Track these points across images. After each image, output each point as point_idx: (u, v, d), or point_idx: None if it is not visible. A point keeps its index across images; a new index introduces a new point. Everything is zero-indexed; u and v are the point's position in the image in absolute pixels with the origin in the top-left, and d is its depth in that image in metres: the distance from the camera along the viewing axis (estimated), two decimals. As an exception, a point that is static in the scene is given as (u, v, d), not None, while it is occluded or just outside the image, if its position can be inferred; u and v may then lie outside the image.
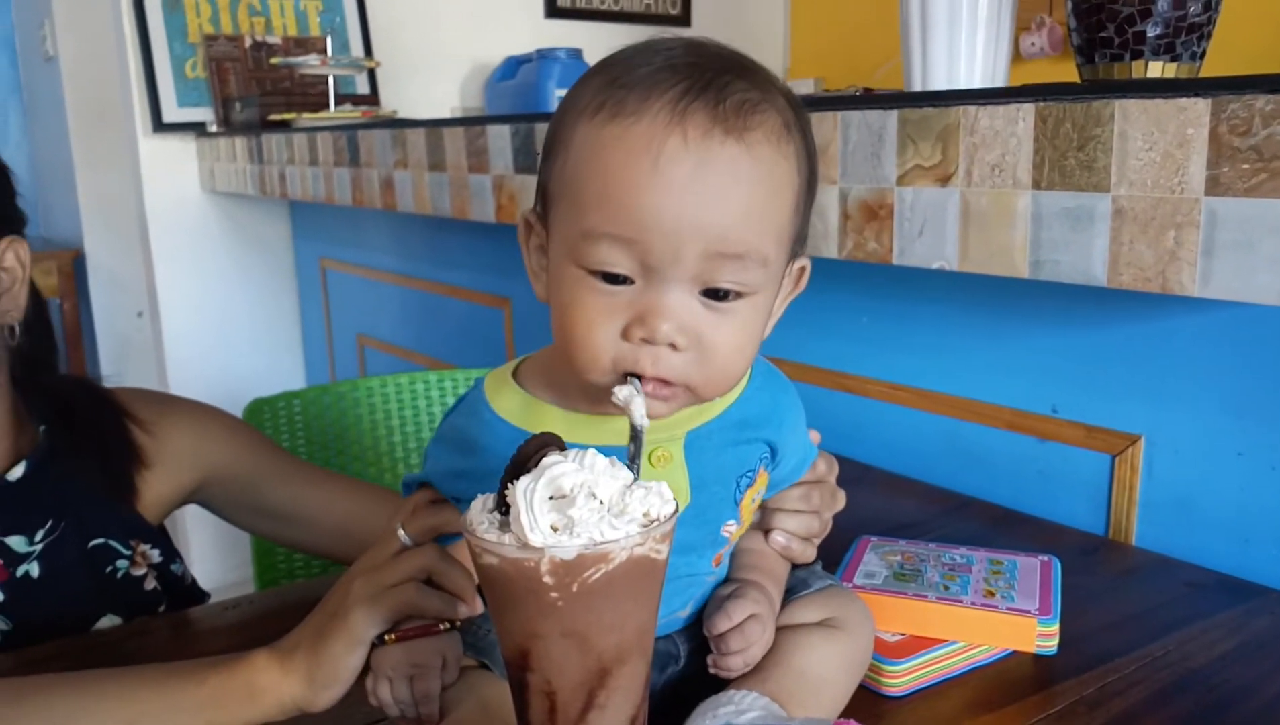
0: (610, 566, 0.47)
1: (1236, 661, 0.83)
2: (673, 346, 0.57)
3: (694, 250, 0.55)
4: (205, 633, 0.99)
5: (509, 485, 0.50)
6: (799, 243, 0.63)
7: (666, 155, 0.54)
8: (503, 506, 0.51)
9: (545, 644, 0.49)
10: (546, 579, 0.46)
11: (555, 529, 0.46)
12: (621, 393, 0.55)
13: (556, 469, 0.47)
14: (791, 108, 0.60)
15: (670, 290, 0.57)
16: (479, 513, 0.51)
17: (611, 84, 0.57)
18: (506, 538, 0.47)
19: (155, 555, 1.06)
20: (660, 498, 0.50)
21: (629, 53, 0.60)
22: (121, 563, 1.03)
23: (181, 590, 1.09)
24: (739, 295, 0.58)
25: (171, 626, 1.00)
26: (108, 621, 1.01)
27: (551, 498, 0.47)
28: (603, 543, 0.46)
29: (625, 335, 0.58)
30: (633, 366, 0.58)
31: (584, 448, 0.51)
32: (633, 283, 0.57)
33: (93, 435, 1.05)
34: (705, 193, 0.55)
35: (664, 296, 0.57)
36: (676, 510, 0.51)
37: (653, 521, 0.49)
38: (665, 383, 0.59)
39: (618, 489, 0.49)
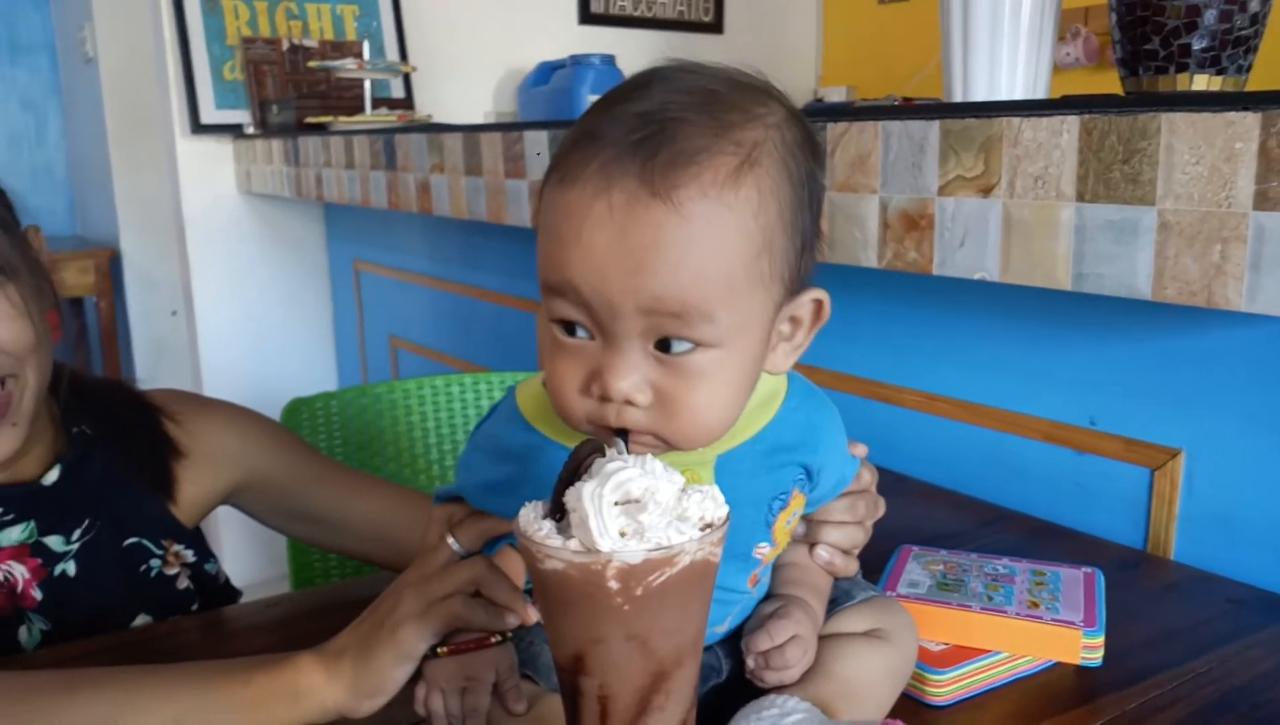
0: (674, 570, 0.47)
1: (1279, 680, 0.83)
2: (630, 402, 0.57)
3: (628, 310, 0.55)
4: (245, 630, 1.00)
5: (566, 491, 0.50)
6: (791, 281, 0.61)
7: (592, 222, 0.55)
8: (556, 513, 0.51)
9: (606, 648, 0.49)
10: (612, 583, 0.47)
11: (624, 534, 0.47)
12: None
13: (622, 474, 0.48)
14: (771, 137, 0.58)
15: (622, 347, 0.56)
16: (531, 520, 0.51)
17: (575, 137, 0.58)
18: (571, 543, 0.48)
19: (189, 555, 1.07)
20: (714, 502, 0.51)
21: (616, 92, 0.59)
22: (155, 562, 1.04)
23: (215, 590, 1.10)
24: (696, 346, 0.57)
25: (212, 624, 1.02)
26: (142, 620, 1.03)
27: (617, 503, 0.47)
28: (669, 547, 0.47)
29: (587, 391, 0.58)
30: (600, 421, 0.58)
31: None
32: (592, 337, 0.57)
33: (129, 433, 1.06)
34: (630, 258, 0.54)
35: (616, 355, 0.57)
36: (729, 514, 0.51)
37: (708, 525, 0.50)
38: (638, 431, 0.59)
39: (674, 493, 0.50)
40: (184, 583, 1.06)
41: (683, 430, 0.59)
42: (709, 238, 0.55)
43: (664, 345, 0.56)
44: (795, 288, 0.62)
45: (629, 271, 0.54)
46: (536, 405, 0.68)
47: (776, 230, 0.58)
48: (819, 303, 0.64)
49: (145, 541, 1.04)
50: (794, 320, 0.64)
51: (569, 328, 0.58)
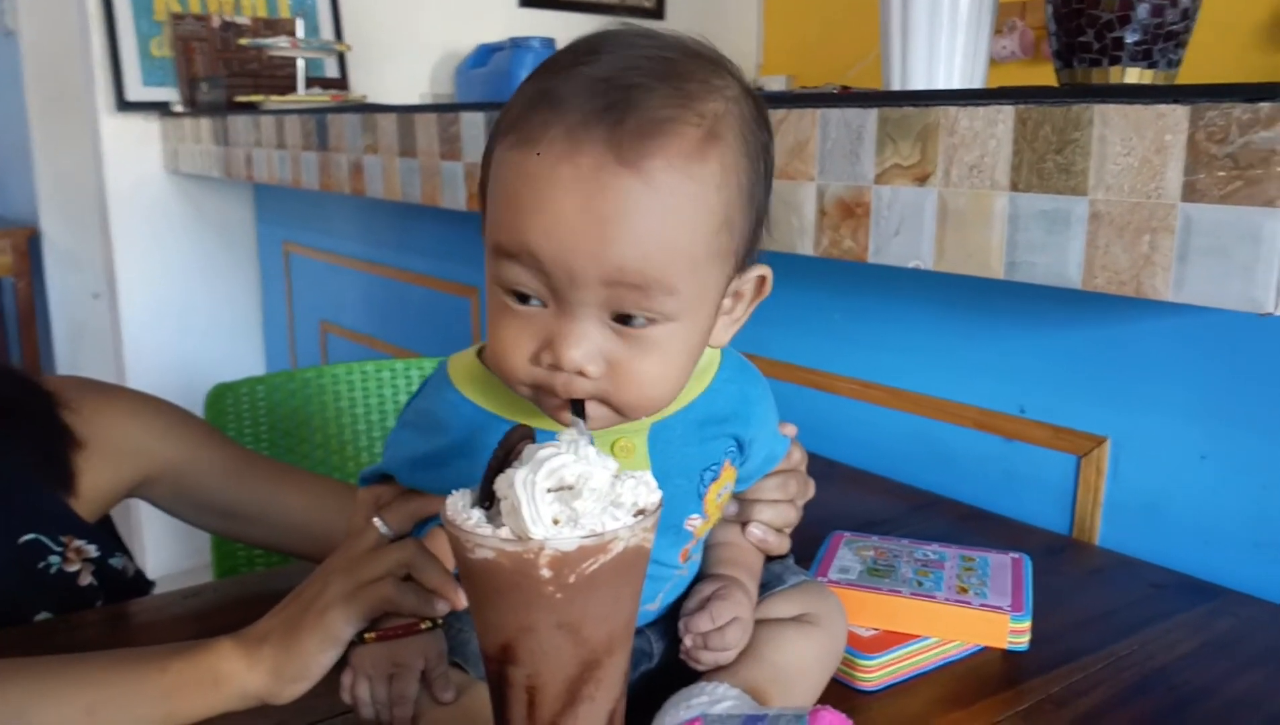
0: (608, 557, 0.46)
1: (1198, 662, 0.84)
2: (582, 373, 0.56)
3: (590, 279, 0.54)
4: (164, 622, 0.97)
5: (497, 478, 0.49)
6: (746, 255, 0.61)
7: (558, 188, 0.54)
8: (485, 500, 0.50)
9: (537, 637, 0.48)
10: (544, 572, 0.46)
11: (556, 521, 0.46)
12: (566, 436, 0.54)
13: (556, 461, 0.47)
14: (730, 110, 0.58)
15: (578, 317, 0.56)
16: (460, 508, 0.50)
17: (531, 99, 0.56)
18: (502, 531, 0.47)
19: (91, 550, 1.01)
20: (647, 487, 0.50)
21: (568, 56, 0.58)
22: (54, 559, 0.98)
23: (122, 585, 1.05)
24: (653, 321, 0.56)
25: (127, 617, 0.98)
26: (42, 619, 0.97)
27: (549, 489, 0.46)
28: (603, 533, 0.46)
29: (536, 360, 0.57)
30: (548, 390, 0.58)
31: (548, 435, 0.51)
32: (544, 305, 0.56)
33: (21, 424, 0.99)
34: (596, 227, 0.53)
35: (571, 323, 0.56)
36: (662, 499, 0.51)
37: (641, 511, 0.49)
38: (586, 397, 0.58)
39: (608, 479, 0.49)
40: (87, 579, 1.01)
41: (632, 400, 0.58)
42: (675, 210, 0.55)
43: (622, 317, 0.56)
44: (744, 263, 0.62)
45: (594, 240, 0.53)
46: (469, 376, 0.67)
47: (736, 205, 0.58)
48: (762, 278, 0.64)
49: (42, 538, 0.98)
50: (736, 294, 0.64)
51: (521, 295, 0.57)
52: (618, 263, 0.54)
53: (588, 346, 0.56)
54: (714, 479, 0.70)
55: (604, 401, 0.58)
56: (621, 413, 0.59)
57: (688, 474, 0.69)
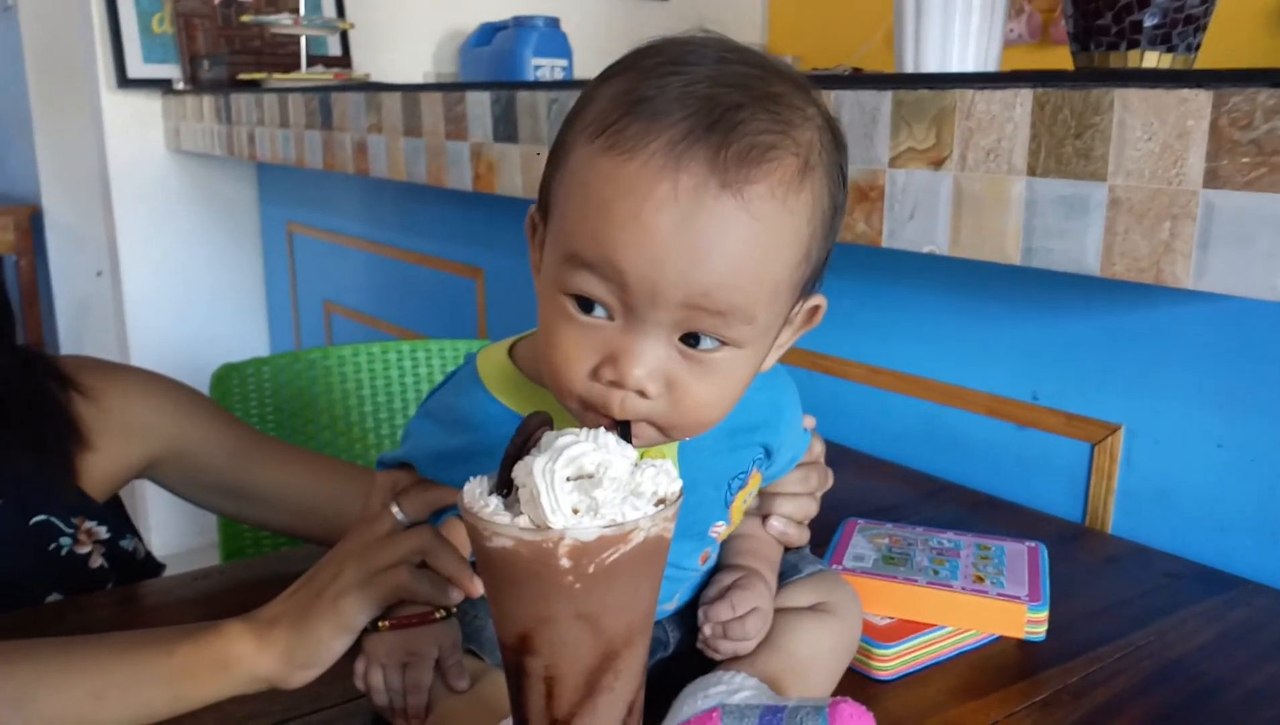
0: (628, 547, 0.45)
1: (1216, 652, 0.84)
2: (642, 393, 0.55)
3: (673, 300, 0.52)
4: (172, 605, 0.97)
5: (515, 465, 0.48)
6: (810, 285, 0.60)
7: (654, 203, 0.51)
8: (502, 488, 0.49)
9: (556, 628, 0.47)
10: (564, 562, 0.45)
11: (576, 511, 0.45)
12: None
13: (575, 449, 0.46)
14: (820, 140, 0.56)
15: (646, 334, 0.54)
16: (477, 496, 0.49)
17: (621, 102, 0.53)
18: (520, 520, 0.46)
19: (102, 532, 1.01)
20: (668, 476, 0.49)
21: (656, 60, 0.55)
22: (65, 540, 0.98)
23: (133, 566, 1.04)
24: (722, 344, 0.55)
25: (135, 599, 0.98)
26: (53, 602, 0.97)
27: (569, 478, 0.45)
28: (623, 523, 0.45)
29: (595, 375, 0.55)
30: (601, 408, 0.56)
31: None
32: (610, 318, 0.54)
33: (32, 406, 0.98)
34: (690, 248, 0.51)
35: (639, 340, 0.54)
36: (682, 488, 0.50)
37: (661, 500, 0.48)
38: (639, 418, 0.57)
39: (628, 468, 0.48)
40: (98, 561, 1.00)
41: (684, 422, 0.57)
42: (769, 238, 0.54)
43: (690, 338, 0.54)
44: (807, 293, 0.61)
45: (685, 261, 0.51)
46: (500, 375, 0.66)
47: (818, 238, 0.57)
48: (815, 308, 0.63)
49: (54, 519, 0.98)
50: (787, 321, 0.62)
51: (586, 304, 0.55)
52: (705, 287, 0.52)
53: (652, 364, 0.54)
54: (742, 487, 0.70)
55: (653, 423, 0.56)
56: (669, 434, 0.58)
57: (716, 484, 0.68)
